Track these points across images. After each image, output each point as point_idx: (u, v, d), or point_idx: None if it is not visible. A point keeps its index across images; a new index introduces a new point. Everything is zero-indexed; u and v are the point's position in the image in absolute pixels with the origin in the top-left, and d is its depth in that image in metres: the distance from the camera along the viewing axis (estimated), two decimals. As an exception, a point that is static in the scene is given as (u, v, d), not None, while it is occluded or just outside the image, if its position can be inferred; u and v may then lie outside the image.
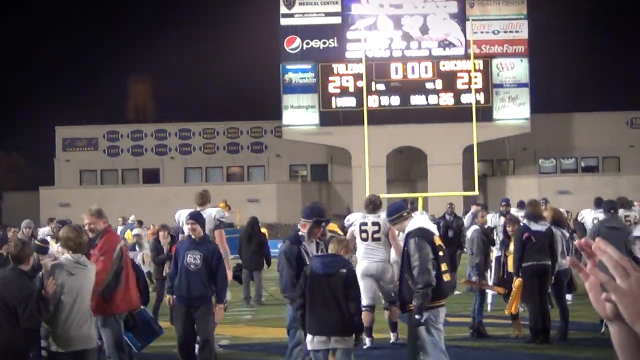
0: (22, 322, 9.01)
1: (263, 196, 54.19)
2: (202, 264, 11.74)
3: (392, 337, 14.89)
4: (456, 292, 22.75)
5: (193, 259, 11.75)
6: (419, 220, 10.11)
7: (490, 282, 16.30)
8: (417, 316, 9.36)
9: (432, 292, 9.52)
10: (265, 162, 66.23)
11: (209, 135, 66.69)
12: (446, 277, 9.80)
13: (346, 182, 60.33)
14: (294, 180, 65.37)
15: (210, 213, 14.57)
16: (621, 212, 20.43)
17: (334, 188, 63.56)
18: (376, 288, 14.70)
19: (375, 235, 14.62)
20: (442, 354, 9.68)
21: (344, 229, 15.88)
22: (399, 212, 10.37)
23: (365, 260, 14.66)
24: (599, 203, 21.29)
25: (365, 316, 12.61)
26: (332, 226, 14.95)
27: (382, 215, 15.18)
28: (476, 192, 47.36)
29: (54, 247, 13.22)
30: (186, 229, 13.77)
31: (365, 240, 14.65)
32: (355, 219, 15.52)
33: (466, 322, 16.12)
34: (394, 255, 14.24)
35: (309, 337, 9.56)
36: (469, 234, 16.51)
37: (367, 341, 14.27)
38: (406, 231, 9.87)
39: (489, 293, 16.75)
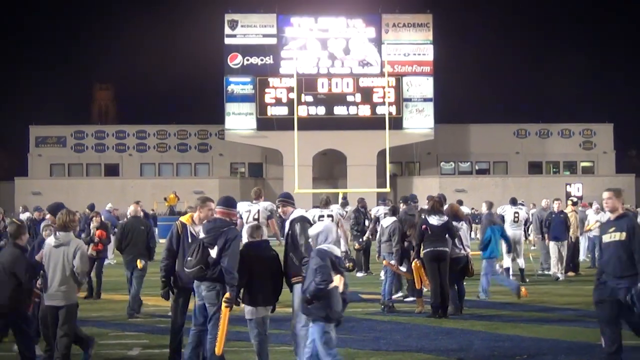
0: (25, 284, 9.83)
1: (207, 189, 53.65)
2: None
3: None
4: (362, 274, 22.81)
5: None
6: (301, 211, 10.26)
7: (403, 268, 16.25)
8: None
9: None
10: (210, 160, 65.87)
11: (162, 136, 66.19)
12: None
13: (278, 178, 60.22)
14: (233, 176, 65.07)
15: (264, 206, 16.28)
16: (511, 208, 20.90)
17: (268, 183, 63.35)
18: None
19: None
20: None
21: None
22: (290, 199, 10.46)
23: None
24: (513, 201, 22.27)
25: None
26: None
27: (334, 210, 18.38)
28: (387, 189, 47.55)
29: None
30: (245, 216, 15.89)
31: None
32: (314, 213, 17.51)
33: (378, 299, 16.12)
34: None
35: (251, 309, 9.42)
36: (385, 223, 16.34)
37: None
38: (290, 218, 9.92)
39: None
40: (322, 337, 8.50)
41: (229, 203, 10.00)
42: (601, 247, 9.56)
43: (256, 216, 16.00)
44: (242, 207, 16.27)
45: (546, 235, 21.65)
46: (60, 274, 9.65)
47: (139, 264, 14.81)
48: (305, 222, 9.81)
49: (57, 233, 9.82)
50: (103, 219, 19.98)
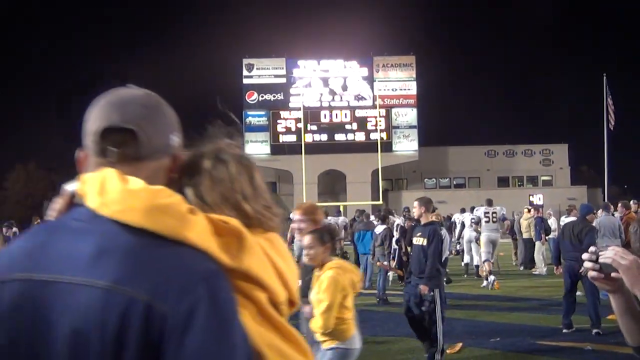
0: None
1: (230, 204, 53.68)
2: None
3: None
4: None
5: None
6: None
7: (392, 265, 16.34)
8: None
9: None
10: (232, 180, 65.87)
11: (192, 161, 66.29)
12: None
13: (289, 194, 60.20)
14: (252, 193, 65.01)
15: None
16: (485, 208, 19.98)
17: (280, 199, 63.40)
18: None
19: None
20: None
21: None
22: None
23: None
24: (472, 209, 22.15)
25: None
26: None
27: (331, 219, 17.41)
28: (380, 202, 47.62)
29: None
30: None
31: None
32: None
33: (374, 293, 16.15)
34: None
35: None
36: (378, 230, 16.39)
37: None
38: None
39: (390, 273, 16.80)
40: None
41: None
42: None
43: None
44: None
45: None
46: None
47: None
48: None
49: None
50: None
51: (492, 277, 17.61)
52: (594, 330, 10.98)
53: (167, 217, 1.49)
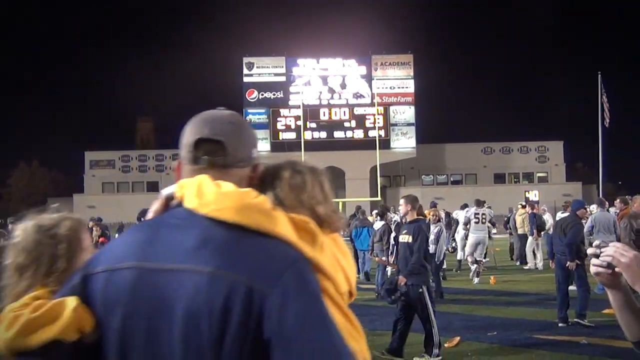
0: None
1: (231, 201, 53.59)
2: None
3: None
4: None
5: None
6: None
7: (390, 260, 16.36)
8: None
9: None
10: (233, 177, 65.84)
11: (193, 158, 66.21)
12: None
13: (289, 191, 60.23)
14: (252, 189, 65.00)
15: None
16: (475, 209, 19.88)
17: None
18: None
19: None
20: None
21: None
22: None
23: None
24: (465, 206, 21.97)
25: None
26: None
27: None
28: (379, 198, 47.60)
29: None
30: None
31: None
32: None
33: (373, 288, 16.17)
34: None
35: None
36: (377, 226, 16.38)
37: None
38: None
39: (388, 268, 16.81)
40: None
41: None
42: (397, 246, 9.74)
43: None
44: None
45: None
46: None
47: None
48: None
49: None
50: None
51: (475, 266, 17.93)
52: (575, 319, 11.10)
53: (256, 213, 1.73)
